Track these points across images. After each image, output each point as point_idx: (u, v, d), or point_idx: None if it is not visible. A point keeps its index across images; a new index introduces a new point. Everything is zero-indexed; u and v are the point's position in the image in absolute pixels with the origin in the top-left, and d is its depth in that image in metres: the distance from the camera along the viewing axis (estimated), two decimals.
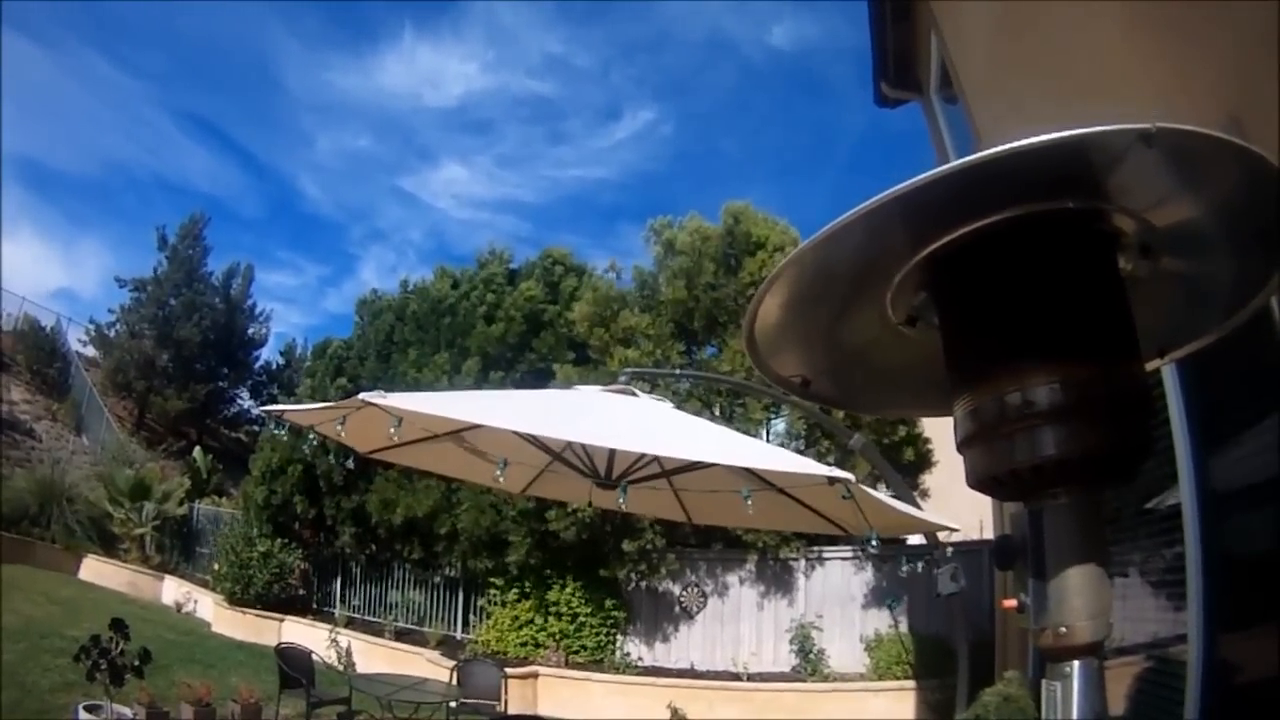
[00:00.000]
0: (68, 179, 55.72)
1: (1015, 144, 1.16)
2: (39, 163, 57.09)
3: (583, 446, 5.71)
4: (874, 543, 4.87)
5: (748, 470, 5.27)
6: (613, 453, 5.66)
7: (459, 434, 5.91)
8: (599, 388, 5.90)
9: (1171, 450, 5.10)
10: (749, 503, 4.59)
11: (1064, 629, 1.35)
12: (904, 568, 14.31)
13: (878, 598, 14.94)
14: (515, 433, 5.51)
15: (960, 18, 8.56)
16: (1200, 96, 3.93)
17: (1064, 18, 5.85)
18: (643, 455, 5.65)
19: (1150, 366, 1.67)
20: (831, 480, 4.25)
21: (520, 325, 17.10)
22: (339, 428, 5.12)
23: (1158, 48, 4.51)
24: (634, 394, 5.67)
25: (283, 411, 6.03)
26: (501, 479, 4.83)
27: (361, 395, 4.50)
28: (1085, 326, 1.38)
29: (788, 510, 5.86)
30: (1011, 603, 1.48)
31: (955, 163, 1.19)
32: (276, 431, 17.23)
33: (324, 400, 17.67)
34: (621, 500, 4.84)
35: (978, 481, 1.46)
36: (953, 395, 1.48)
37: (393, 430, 4.43)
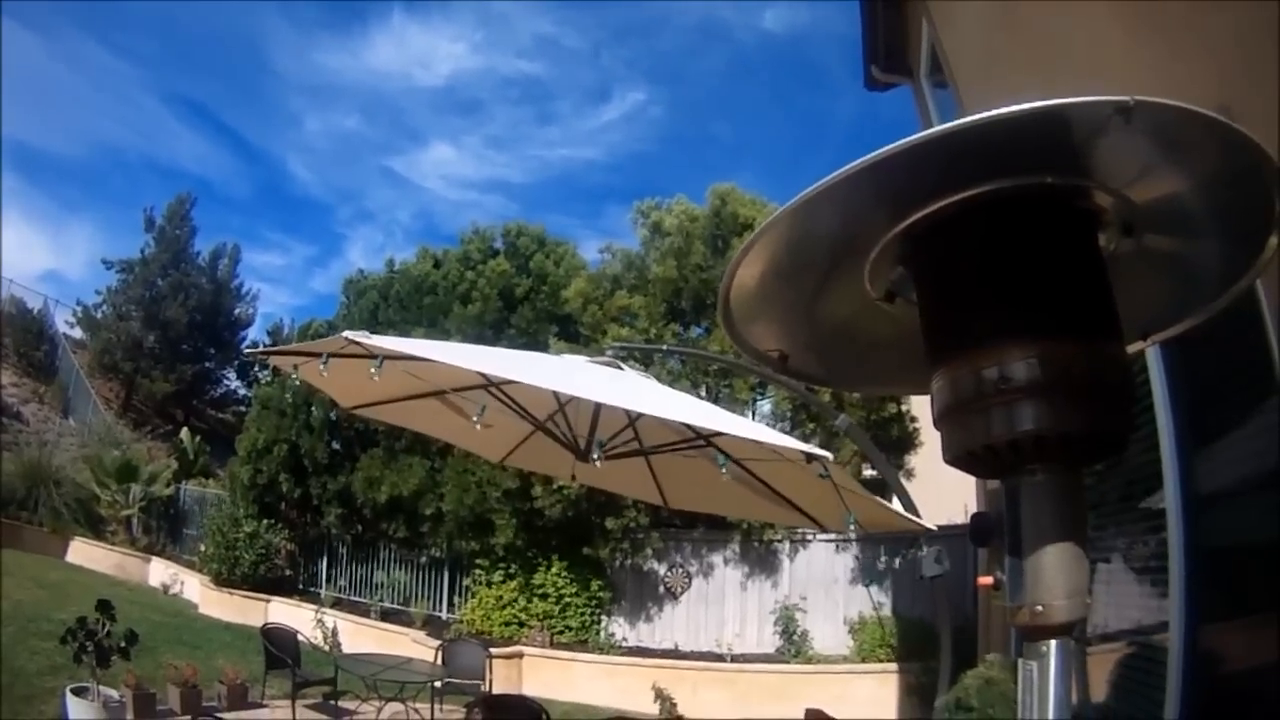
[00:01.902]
0: (57, 161, 55.49)
1: (992, 113, 1.15)
2: (29, 145, 56.81)
3: (564, 418, 5.71)
4: (851, 525, 4.87)
5: (725, 447, 5.28)
6: (595, 425, 5.66)
7: (444, 394, 5.89)
8: (585, 359, 5.91)
9: (1155, 436, 5.11)
10: (724, 471, 4.58)
11: (1040, 607, 1.35)
12: (882, 559, 14.39)
13: (862, 580, 14.99)
14: (496, 394, 5.52)
15: (951, 3, 8.54)
16: (1193, 82, 3.92)
17: (1056, 3, 5.85)
18: (622, 430, 5.66)
19: (1133, 349, 1.66)
20: (810, 457, 4.24)
21: (496, 303, 17.09)
22: (321, 368, 5.09)
23: (1151, 35, 4.50)
24: (620, 367, 5.67)
25: (266, 354, 6.05)
26: (479, 425, 4.80)
27: (345, 334, 4.49)
28: (1065, 302, 1.37)
29: (761, 499, 5.87)
30: (987, 580, 1.48)
31: (930, 130, 1.18)
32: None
33: (307, 380, 17.66)
34: (596, 458, 4.86)
35: (954, 457, 1.45)
36: (930, 370, 1.47)
37: (373, 370, 4.42)
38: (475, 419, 4.68)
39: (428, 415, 6.28)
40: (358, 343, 4.44)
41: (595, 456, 4.84)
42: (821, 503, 5.24)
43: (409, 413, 6.32)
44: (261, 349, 6.37)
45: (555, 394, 5.47)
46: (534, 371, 4.73)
